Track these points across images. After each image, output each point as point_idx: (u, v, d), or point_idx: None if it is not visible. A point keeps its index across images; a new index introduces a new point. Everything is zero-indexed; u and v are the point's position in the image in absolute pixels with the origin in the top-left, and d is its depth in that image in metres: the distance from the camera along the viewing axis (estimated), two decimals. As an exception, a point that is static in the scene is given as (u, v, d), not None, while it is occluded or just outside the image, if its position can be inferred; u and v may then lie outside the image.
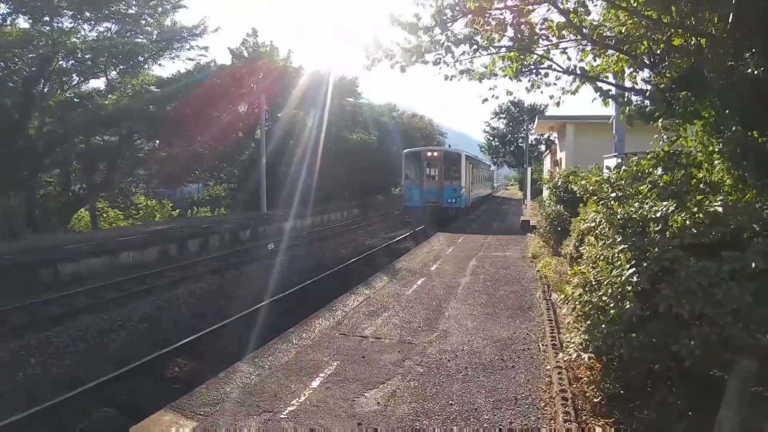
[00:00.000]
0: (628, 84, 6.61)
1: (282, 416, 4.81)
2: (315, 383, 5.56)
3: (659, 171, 5.26)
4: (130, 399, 6.80)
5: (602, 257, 4.72)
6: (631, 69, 6.32)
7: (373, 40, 6.08)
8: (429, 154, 27.22)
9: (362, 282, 10.82)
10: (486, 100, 6.96)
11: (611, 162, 10.24)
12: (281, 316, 9.46)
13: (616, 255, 4.43)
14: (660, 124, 6.20)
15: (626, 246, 4.33)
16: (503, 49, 6.36)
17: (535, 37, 6.02)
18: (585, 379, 5.19)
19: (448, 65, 6.36)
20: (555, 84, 6.71)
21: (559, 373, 5.43)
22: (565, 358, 5.20)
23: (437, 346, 6.72)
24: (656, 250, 4.07)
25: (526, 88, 6.74)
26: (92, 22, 25.47)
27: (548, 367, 5.84)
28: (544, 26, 6.01)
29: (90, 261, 14.45)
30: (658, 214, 4.34)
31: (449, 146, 33.72)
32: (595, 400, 4.72)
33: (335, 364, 6.11)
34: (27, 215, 20.27)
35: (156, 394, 6.71)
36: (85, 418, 6.32)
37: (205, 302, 11.98)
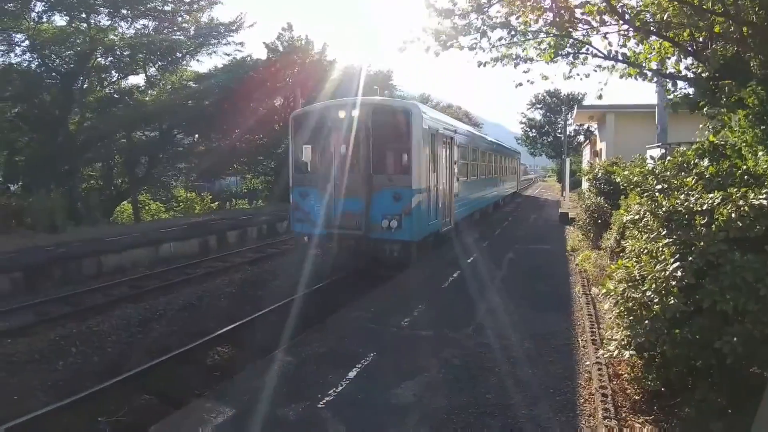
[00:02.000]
0: (671, 71, 6.38)
1: (320, 405, 4.88)
2: (351, 373, 5.61)
3: (705, 162, 5.08)
4: (171, 386, 6.94)
5: (646, 251, 4.61)
6: (675, 56, 6.10)
7: (408, 25, 6.01)
8: (340, 113, 11.53)
9: (397, 273, 10.82)
10: (520, 84, 6.86)
11: (655, 152, 9.94)
12: (318, 307, 9.56)
13: (661, 249, 4.31)
14: (705, 113, 5.98)
15: (671, 240, 4.21)
16: (541, 34, 6.23)
17: (575, 21, 5.86)
18: (625, 376, 5.09)
19: (483, 51, 6.26)
20: (596, 71, 6.55)
21: (599, 369, 5.32)
22: (605, 355, 5.09)
23: (474, 339, 6.68)
24: (702, 244, 3.94)
25: (564, 74, 6.61)
26: (129, 20, 26.08)
27: (588, 363, 5.74)
28: (583, 10, 5.85)
29: (132, 252, 14.93)
30: (704, 207, 4.20)
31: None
32: (635, 397, 4.63)
33: (371, 354, 6.16)
34: (69, 208, 21.04)
35: (196, 382, 6.89)
36: (126, 406, 6.44)
37: (244, 292, 12.21)
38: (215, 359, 8.04)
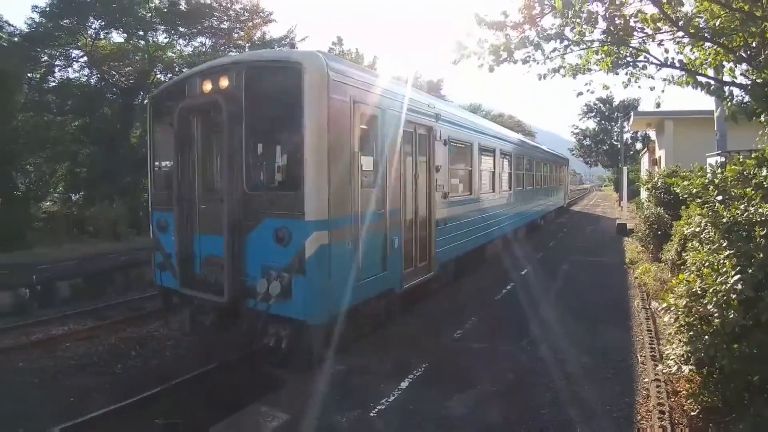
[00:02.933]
0: (727, 78, 6.17)
1: (372, 414, 4.98)
2: (404, 384, 5.67)
3: (765, 171, 4.88)
4: (227, 391, 7.02)
5: (707, 264, 4.47)
6: (730, 62, 5.91)
7: (459, 39, 6.08)
8: (205, 86, 6.78)
9: (448, 286, 10.79)
10: (581, 94, 6.83)
11: (714, 161, 9.55)
12: (370, 317, 9.62)
13: (722, 261, 4.18)
14: (763, 121, 5.76)
15: (732, 252, 4.08)
16: (596, 43, 6.19)
17: (629, 30, 5.80)
18: (684, 392, 4.93)
19: (538, 63, 6.26)
20: (653, 78, 6.44)
21: (658, 386, 5.18)
22: (665, 371, 4.95)
23: (528, 353, 6.60)
24: (761, 255, 3.81)
25: (623, 82, 6.54)
26: (187, 37, 27.01)
27: (646, 379, 5.57)
28: (637, 18, 5.79)
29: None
30: (763, 218, 4.06)
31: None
32: (692, 413, 4.48)
33: (424, 366, 6.18)
34: (131, 218, 22.07)
35: (252, 387, 7.06)
36: (183, 408, 6.51)
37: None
38: (270, 366, 8.19)
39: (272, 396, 5.51)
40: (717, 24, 5.38)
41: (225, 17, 27.35)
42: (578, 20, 5.77)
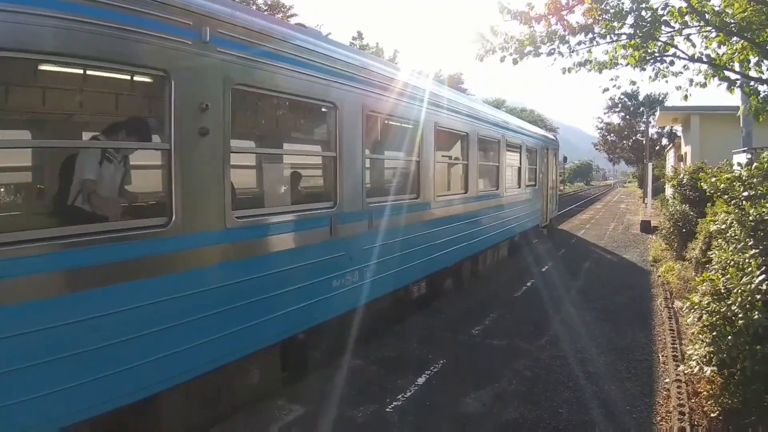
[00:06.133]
0: (754, 74, 6.03)
1: (388, 410, 4.99)
2: (421, 380, 5.68)
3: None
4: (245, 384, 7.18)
5: (732, 263, 4.37)
6: (756, 57, 5.77)
7: (484, 32, 6.05)
8: None
9: (470, 282, 10.71)
10: (607, 89, 6.88)
11: (741, 157, 9.33)
12: (390, 312, 9.62)
13: (747, 260, 4.08)
14: None
15: (757, 251, 3.97)
16: (623, 37, 6.10)
17: (657, 24, 5.70)
18: (704, 393, 4.84)
19: (563, 56, 6.20)
20: (682, 73, 6.35)
21: (678, 386, 5.09)
22: (686, 371, 4.86)
23: (547, 351, 6.54)
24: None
25: (650, 77, 6.46)
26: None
27: (667, 380, 5.48)
28: (665, 12, 5.69)
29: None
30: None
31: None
32: (712, 415, 4.40)
33: (441, 362, 6.18)
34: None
35: (270, 381, 7.09)
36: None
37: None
38: (288, 360, 8.22)
39: (291, 390, 5.55)
40: (744, 18, 5.26)
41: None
42: (606, 16, 5.71)
